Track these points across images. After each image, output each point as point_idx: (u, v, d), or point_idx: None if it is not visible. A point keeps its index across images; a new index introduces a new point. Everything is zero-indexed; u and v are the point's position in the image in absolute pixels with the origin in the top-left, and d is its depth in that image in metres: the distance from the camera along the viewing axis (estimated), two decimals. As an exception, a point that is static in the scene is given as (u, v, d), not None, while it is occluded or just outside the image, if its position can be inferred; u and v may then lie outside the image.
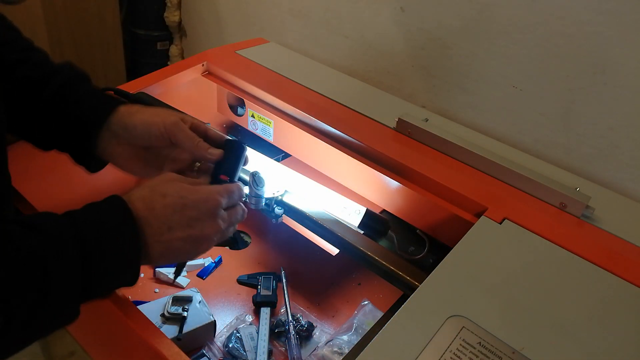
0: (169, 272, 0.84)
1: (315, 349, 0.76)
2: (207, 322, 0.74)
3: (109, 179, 0.88)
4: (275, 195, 0.76)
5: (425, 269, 0.70)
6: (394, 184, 0.74)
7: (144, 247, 0.50)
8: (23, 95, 0.60)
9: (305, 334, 0.78)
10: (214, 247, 0.57)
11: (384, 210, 0.82)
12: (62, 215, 0.47)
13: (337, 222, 0.76)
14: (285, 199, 0.77)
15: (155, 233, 0.50)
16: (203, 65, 0.93)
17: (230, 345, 0.74)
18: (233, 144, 0.63)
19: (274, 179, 0.78)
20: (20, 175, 0.64)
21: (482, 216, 0.65)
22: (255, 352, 0.74)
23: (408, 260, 0.72)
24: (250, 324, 0.79)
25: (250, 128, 0.93)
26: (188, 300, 0.77)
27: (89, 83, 0.64)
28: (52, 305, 0.43)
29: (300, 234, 0.80)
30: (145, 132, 0.60)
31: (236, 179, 0.62)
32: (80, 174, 0.84)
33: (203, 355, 0.74)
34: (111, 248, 0.47)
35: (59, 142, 0.63)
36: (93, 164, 0.64)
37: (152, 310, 0.75)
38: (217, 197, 0.55)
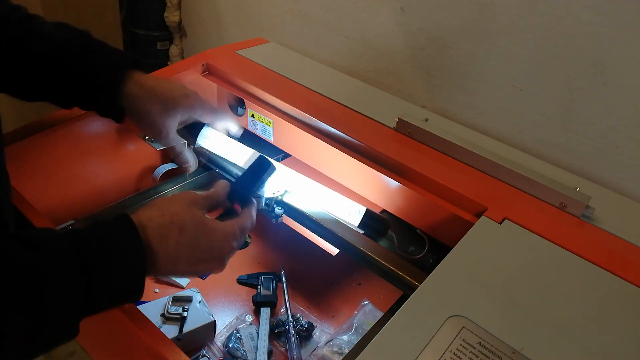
0: (169, 272, 0.84)
1: (315, 349, 0.76)
2: (207, 322, 0.75)
3: (109, 178, 0.88)
4: (275, 195, 0.76)
5: (425, 269, 0.70)
6: (394, 184, 0.74)
7: (148, 269, 0.49)
8: (38, 67, 0.64)
9: (305, 334, 0.78)
10: None
11: (384, 210, 0.82)
12: (65, 232, 0.46)
13: (337, 222, 0.76)
14: (285, 199, 0.77)
15: (161, 264, 0.50)
16: (203, 65, 0.93)
17: (230, 345, 0.74)
18: (259, 161, 0.64)
19: (274, 179, 0.78)
20: (20, 175, 0.64)
21: (482, 216, 0.65)
22: (255, 352, 0.74)
23: (408, 260, 0.72)
24: (250, 324, 0.79)
25: (250, 128, 0.93)
26: (188, 300, 0.77)
27: (95, 46, 0.68)
28: (50, 323, 0.41)
29: (300, 234, 0.80)
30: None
31: (254, 196, 0.63)
32: (80, 174, 0.84)
33: (203, 355, 0.74)
34: (116, 264, 0.46)
35: (80, 104, 0.69)
36: (117, 116, 0.70)
37: (152, 310, 0.75)
38: (231, 243, 0.55)
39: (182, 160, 0.81)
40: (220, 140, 0.82)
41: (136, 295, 0.48)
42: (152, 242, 0.48)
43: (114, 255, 0.46)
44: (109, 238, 0.46)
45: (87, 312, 0.45)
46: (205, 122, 0.79)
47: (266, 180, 0.65)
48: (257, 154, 0.65)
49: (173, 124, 0.72)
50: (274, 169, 0.65)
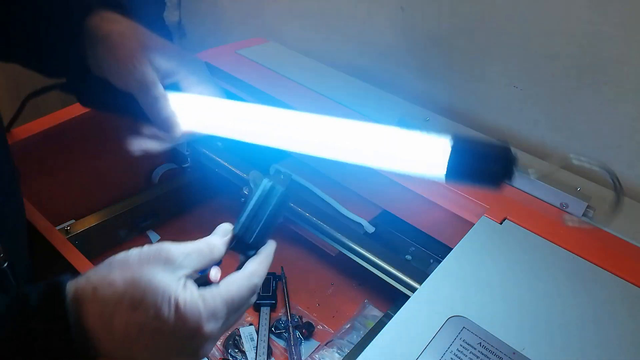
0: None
1: (315, 349, 0.76)
2: (207, 322, 0.74)
3: (109, 179, 0.88)
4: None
5: (425, 269, 0.70)
6: (394, 183, 0.74)
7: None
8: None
9: (305, 334, 0.78)
10: None
11: (383, 210, 0.82)
12: None
13: (337, 222, 0.76)
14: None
15: (108, 353, 0.36)
16: (203, 65, 0.93)
17: (230, 345, 0.74)
18: (271, 191, 0.45)
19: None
20: (20, 176, 0.64)
21: (482, 216, 0.65)
22: (255, 352, 0.74)
23: (408, 261, 0.72)
24: (250, 324, 0.79)
25: (250, 128, 0.93)
26: (188, 300, 0.77)
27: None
28: None
29: (300, 234, 0.79)
30: None
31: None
32: (80, 174, 0.84)
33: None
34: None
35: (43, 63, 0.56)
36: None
37: (152, 310, 0.75)
38: (205, 328, 0.37)
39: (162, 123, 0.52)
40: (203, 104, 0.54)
41: None
42: (89, 322, 0.35)
43: (33, 347, 0.34)
44: (26, 323, 0.34)
45: None
46: (184, 89, 0.54)
47: (282, 215, 0.47)
48: (266, 181, 0.46)
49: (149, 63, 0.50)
50: (289, 198, 0.47)
